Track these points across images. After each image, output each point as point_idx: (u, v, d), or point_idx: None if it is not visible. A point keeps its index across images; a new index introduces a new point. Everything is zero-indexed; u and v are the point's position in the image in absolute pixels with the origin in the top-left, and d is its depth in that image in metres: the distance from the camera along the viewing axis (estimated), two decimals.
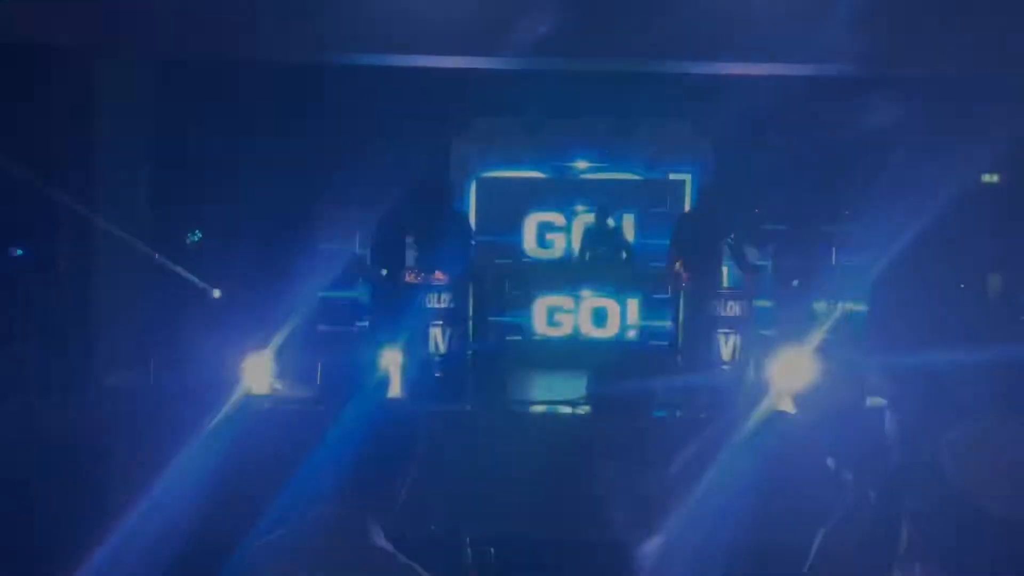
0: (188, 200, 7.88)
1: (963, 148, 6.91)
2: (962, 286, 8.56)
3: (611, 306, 8.47)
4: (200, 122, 7.40)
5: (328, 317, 8.49)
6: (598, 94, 8.68)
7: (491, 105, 9.02)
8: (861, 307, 7.39)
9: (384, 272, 8.00)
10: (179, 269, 6.60)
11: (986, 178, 8.75)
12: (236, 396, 5.48)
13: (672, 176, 9.84)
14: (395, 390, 6.18)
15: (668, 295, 8.13)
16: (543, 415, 6.06)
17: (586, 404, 6.07)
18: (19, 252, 7.44)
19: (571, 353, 8.18)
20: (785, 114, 7.62)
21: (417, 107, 8.20)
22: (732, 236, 7.06)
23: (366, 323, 7.95)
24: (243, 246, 7.56)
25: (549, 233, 9.72)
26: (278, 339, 5.94)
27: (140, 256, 6.59)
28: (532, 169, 9.95)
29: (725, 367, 6.21)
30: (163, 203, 7.56)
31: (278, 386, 5.95)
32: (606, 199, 9.20)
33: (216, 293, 6.76)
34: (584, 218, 9.39)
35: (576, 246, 9.23)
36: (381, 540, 1.83)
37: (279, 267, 7.12)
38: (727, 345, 6.30)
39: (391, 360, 6.10)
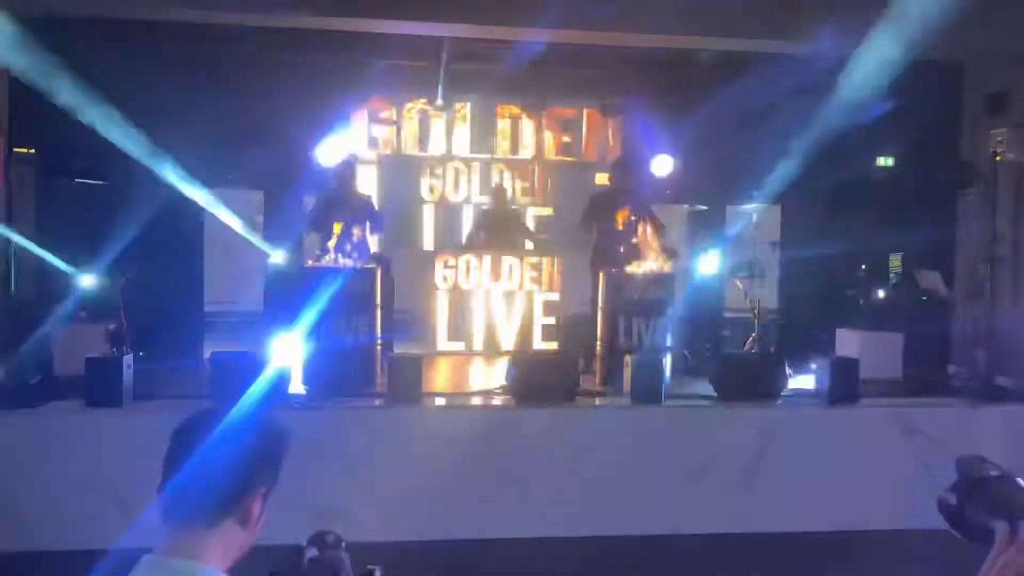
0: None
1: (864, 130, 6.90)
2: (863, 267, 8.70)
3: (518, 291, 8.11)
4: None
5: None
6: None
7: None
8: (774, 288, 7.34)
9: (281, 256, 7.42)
10: None
11: (881, 161, 8.86)
12: None
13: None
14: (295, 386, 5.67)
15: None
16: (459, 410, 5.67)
17: (504, 395, 5.73)
18: None
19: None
20: (697, 92, 7.43)
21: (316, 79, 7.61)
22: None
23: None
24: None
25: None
26: None
27: None
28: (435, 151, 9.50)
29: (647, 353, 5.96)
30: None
31: None
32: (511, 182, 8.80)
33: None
34: (484, 201, 9.00)
35: (475, 230, 8.79)
36: None
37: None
38: (648, 331, 6.06)
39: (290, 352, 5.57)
